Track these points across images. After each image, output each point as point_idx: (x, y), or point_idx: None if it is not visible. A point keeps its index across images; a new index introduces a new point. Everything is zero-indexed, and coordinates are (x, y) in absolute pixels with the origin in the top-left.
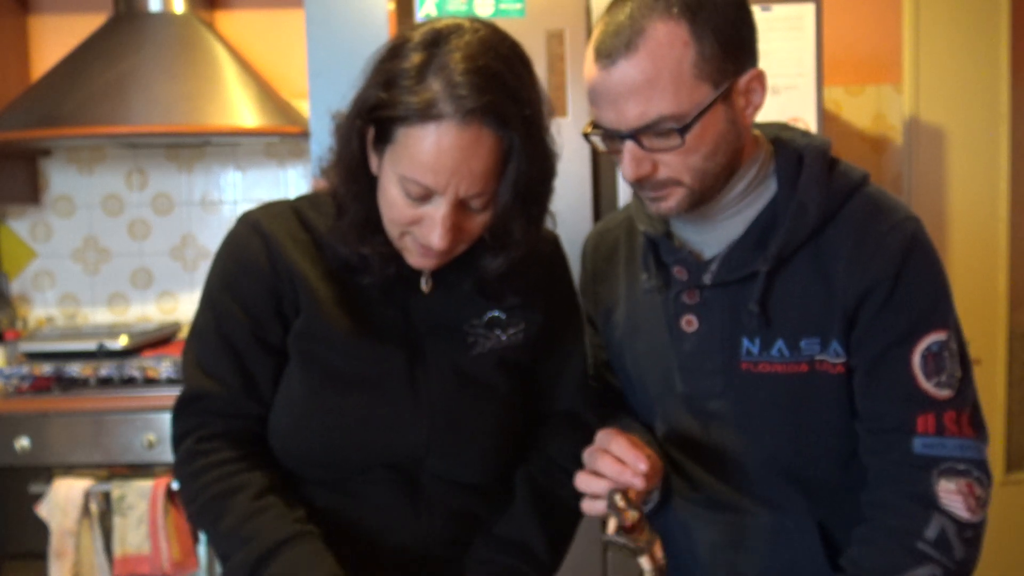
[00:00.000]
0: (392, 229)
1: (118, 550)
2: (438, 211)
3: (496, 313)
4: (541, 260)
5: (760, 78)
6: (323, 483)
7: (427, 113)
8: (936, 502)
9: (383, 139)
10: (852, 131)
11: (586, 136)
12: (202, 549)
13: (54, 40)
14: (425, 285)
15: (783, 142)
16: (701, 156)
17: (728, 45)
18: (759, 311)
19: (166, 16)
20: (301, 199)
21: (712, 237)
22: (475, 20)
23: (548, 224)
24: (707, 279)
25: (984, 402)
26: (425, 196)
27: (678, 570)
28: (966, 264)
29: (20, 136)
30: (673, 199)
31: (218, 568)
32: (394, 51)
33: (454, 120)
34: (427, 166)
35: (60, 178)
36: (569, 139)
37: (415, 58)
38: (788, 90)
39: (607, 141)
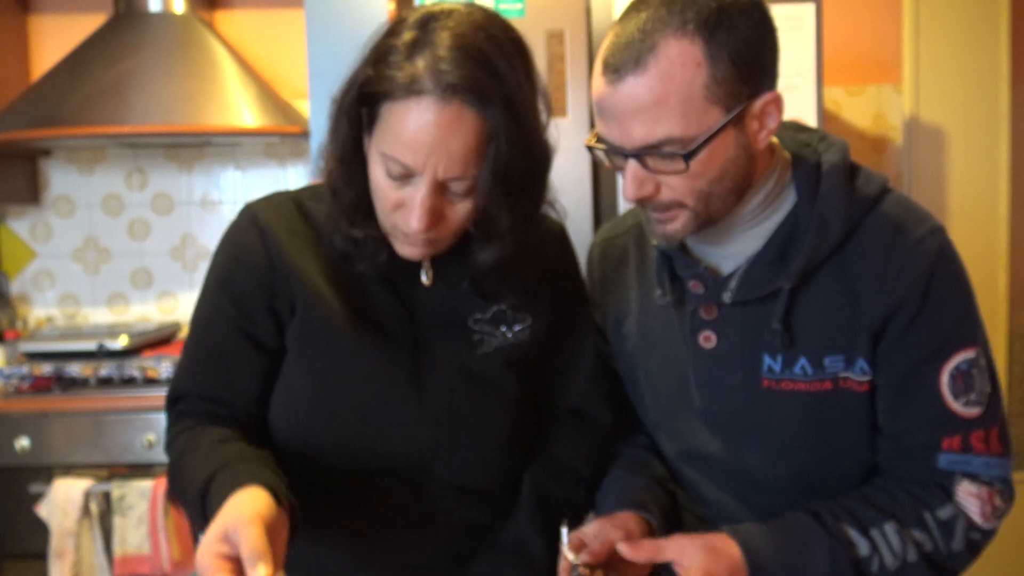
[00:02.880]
0: (383, 218)
1: (118, 550)
2: (417, 192)
3: (501, 307)
4: (543, 256)
5: (777, 101)
6: (328, 490)
7: (410, 88)
8: (953, 496)
9: (373, 118)
10: (852, 131)
11: (590, 148)
12: None
13: (54, 40)
14: (426, 278)
15: (801, 150)
16: (707, 181)
17: (745, 67)
18: (782, 329)
19: (166, 16)
20: (303, 190)
21: (729, 251)
22: (474, 5)
23: (553, 214)
24: (727, 297)
25: None
26: (405, 175)
27: None
28: (966, 264)
29: (20, 136)
30: (679, 221)
31: None
32: (389, 30)
33: (434, 96)
34: (406, 144)
35: (60, 178)
36: (569, 139)
37: (407, 36)
38: (788, 90)
39: (610, 156)
